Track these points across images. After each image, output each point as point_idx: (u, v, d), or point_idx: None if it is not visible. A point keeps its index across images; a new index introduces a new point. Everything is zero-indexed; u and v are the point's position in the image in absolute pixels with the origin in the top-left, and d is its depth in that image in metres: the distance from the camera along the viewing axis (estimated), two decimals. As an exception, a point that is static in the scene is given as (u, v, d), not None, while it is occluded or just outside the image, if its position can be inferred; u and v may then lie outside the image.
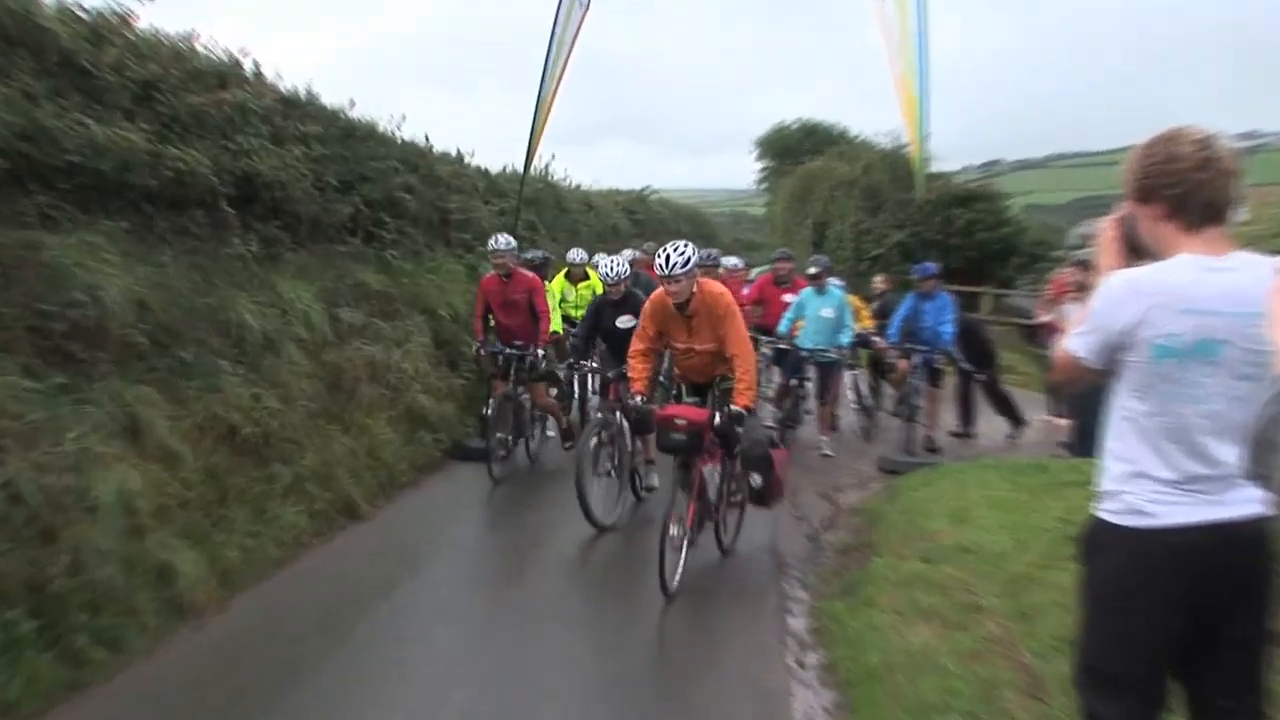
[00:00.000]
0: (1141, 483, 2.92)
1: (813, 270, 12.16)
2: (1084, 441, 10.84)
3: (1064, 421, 13.20)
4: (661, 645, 6.23)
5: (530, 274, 10.69)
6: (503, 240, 10.51)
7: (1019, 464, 9.80)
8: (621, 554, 7.99)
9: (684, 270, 6.96)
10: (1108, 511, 2.99)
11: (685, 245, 7.04)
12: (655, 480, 9.67)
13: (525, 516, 8.97)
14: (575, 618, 6.60)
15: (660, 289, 7.28)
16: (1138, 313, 2.87)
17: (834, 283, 12.88)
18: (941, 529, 7.57)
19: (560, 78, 12.55)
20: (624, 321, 9.12)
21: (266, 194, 10.21)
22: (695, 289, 7.14)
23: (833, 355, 11.88)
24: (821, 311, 11.99)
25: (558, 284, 13.09)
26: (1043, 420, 13.96)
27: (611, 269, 9.34)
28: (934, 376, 12.44)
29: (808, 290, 12.26)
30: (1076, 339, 3.01)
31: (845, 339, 11.90)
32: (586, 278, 13.25)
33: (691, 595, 6.96)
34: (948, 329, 12.12)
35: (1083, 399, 10.84)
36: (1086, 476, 7.90)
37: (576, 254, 13.54)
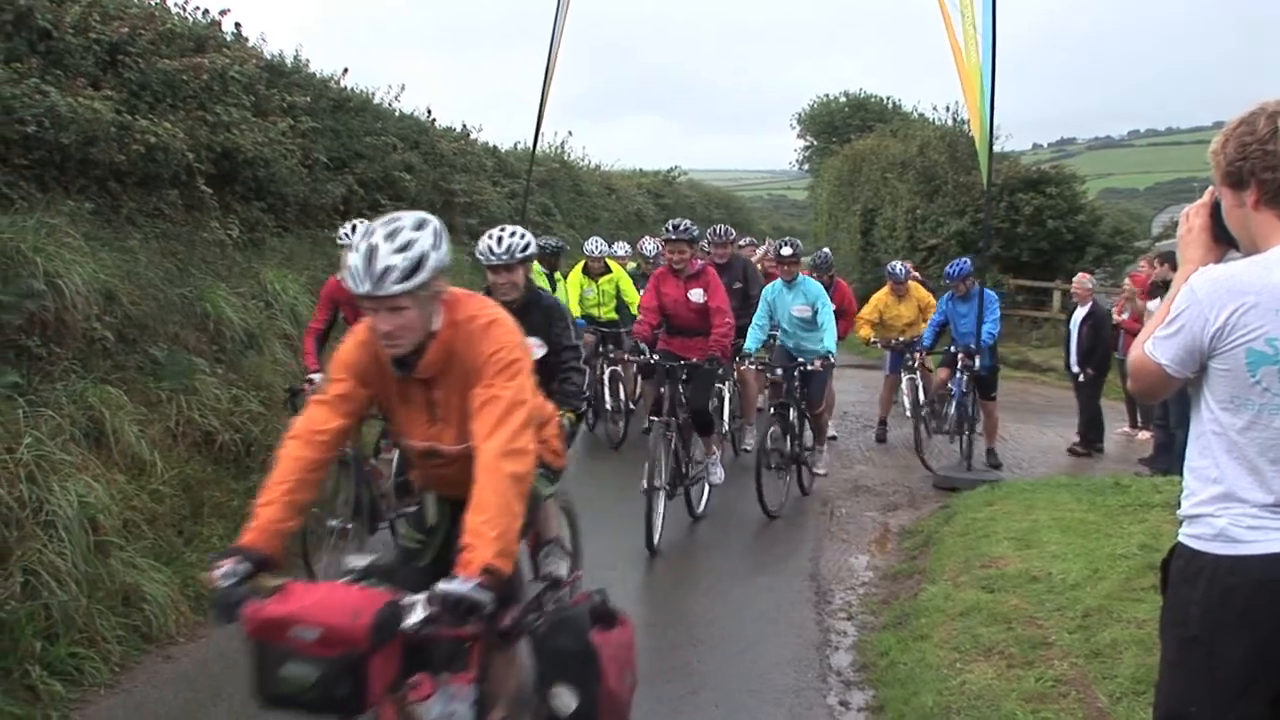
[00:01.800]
0: (1231, 505, 2.85)
1: (786, 251, 11.04)
2: (1168, 457, 10.81)
3: (1145, 435, 13.15)
4: (687, 679, 6.20)
5: None
6: (362, 229, 7.70)
7: (1094, 482, 9.74)
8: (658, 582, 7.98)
9: (406, 283, 3.50)
10: (1192, 537, 2.94)
11: (416, 221, 3.63)
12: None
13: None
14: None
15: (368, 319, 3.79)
16: (1229, 314, 2.80)
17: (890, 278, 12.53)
18: (1005, 554, 7.52)
19: (559, 44, 12.52)
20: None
21: (248, 172, 10.27)
22: (442, 319, 3.77)
23: (816, 368, 10.25)
24: (794, 310, 10.76)
25: (575, 278, 13.03)
26: (1121, 433, 13.89)
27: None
28: (984, 387, 12.08)
29: (775, 284, 11.02)
30: (1157, 343, 2.94)
31: (829, 342, 10.42)
32: (608, 270, 13.06)
33: (720, 625, 6.95)
34: (990, 330, 11.73)
35: (1168, 410, 10.80)
36: (1172, 497, 7.89)
37: (595, 244, 13.26)
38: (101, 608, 5.98)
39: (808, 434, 10.65)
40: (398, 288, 3.50)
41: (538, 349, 5.85)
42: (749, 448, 11.46)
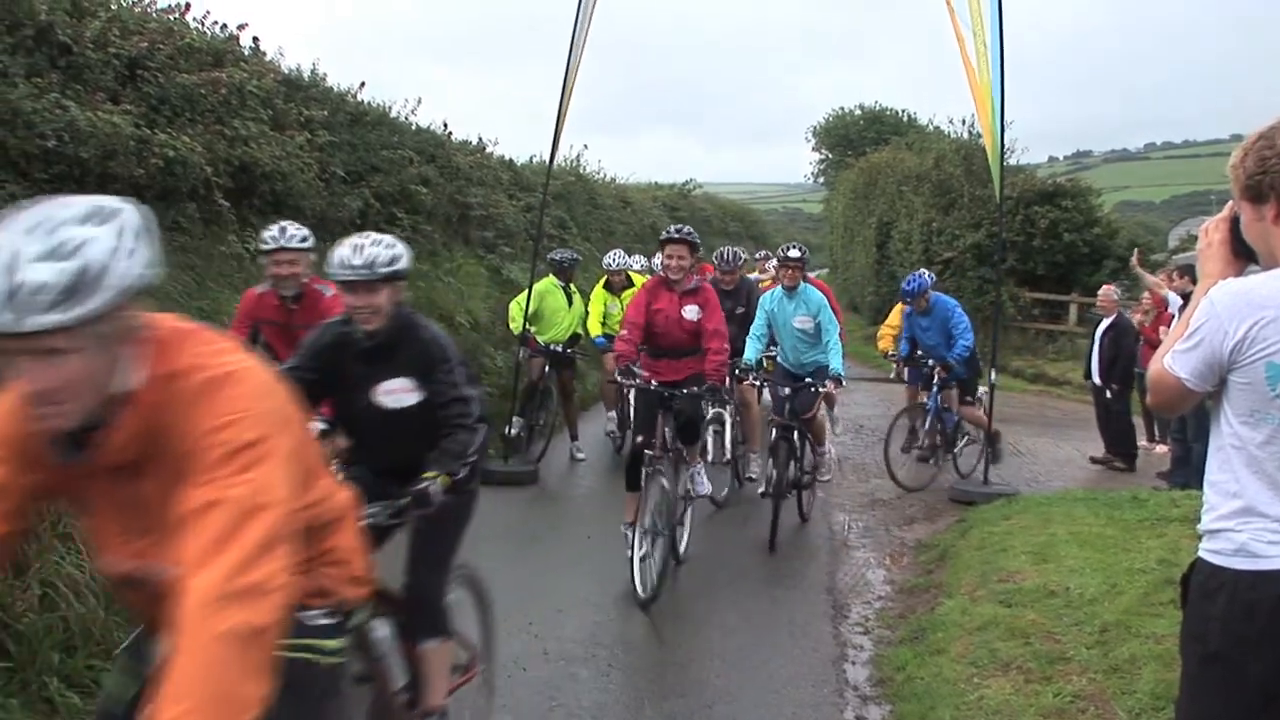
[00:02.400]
0: (1252, 520, 2.83)
1: (794, 253, 9.97)
2: (1186, 471, 10.77)
3: (1163, 448, 13.11)
4: (703, 693, 6.19)
5: (332, 293, 6.41)
6: (289, 232, 6.56)
7: (1111, 496, 9.70)
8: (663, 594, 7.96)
9: (62, 313, 2.03)
10: (1212, 552, 2.91)
11: (89, 211, 2.14)
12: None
13: (553, 548, 8.95)
14: (611, 660, 6.55)
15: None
16: (1248, 327, 2.78)
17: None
18: (1022, 569, 7.49)
19: (580, 58, 12.45)
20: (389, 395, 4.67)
21: (266, 185, 10.31)
22: (142, 372, 2.30)
23: (829, 390, 9.74)
24: (795, 321, 9.88)
25: (599, 296, 12.69)
26: (1139, 446, 13.84)
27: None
28: (963, 389, 11.78)
29: (773, 293, 10.13)
30: (1176, 357, 2.93)
31: (835, 362, 9.41)
32: (630, 284, 12.40)
33: (739, 639, 6.94)
34: (962, 343, 11.25)
35: (1185, 423, 10.76)
36: (1190, 511, 7.87)
37: (616, 257, 12.70)
38: (119, 620, 5.96)
39: (808, 455, 9.87)
40: (49, 319, 2.03)
41: (406, 394, 4.59)
42: (754, 476, 10.72)
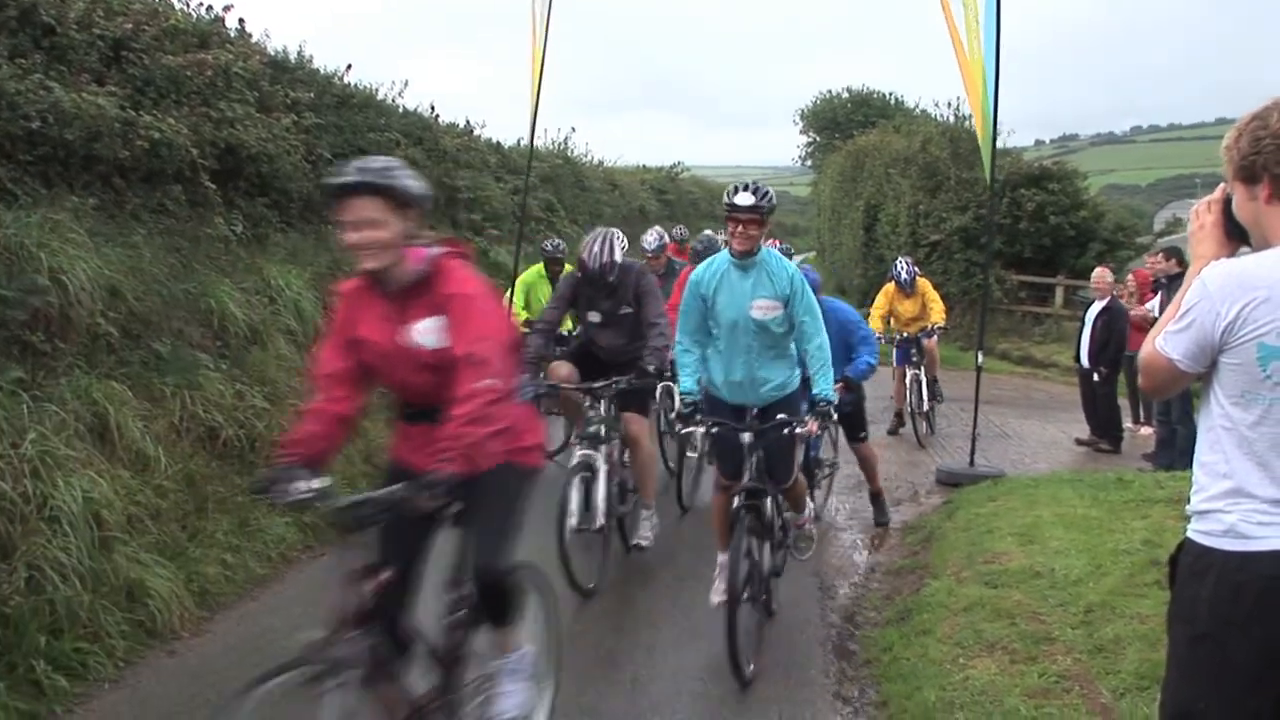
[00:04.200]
0: (1241, 501, 2.83)
1: (743, 198, 6.05)
2: (1170, 452, 10.79)
3: (1148, 430, 13.14)
4: (690, 675, 6.17)
5: None
6: None
7: (1097, 478, 9.71)
8: (650, 579, 7.94)
9: None
10: (1200, 533, 2.92)
11: None
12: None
13: (530, 538, 8.91)
14: (598, 643, 6.54)
15: None
16: (1240, 308, 2.78)
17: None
18: (1008, 550, 7.50)
19: (545, 37, 12.23)
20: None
21: (252, 168, 10.24)
22: None
23: (809, 430, 6.17)
24: (752, 309, 6.17)
25: None
26: (1125, 429, 13.88)
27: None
28: (850, 426, 9.48)
29: (711, 265, 6.40)
30: (1168, 338, 2.92)
31: (825, 382, 6.16)
32: (673, 272, 10.76)
33: (723, 620, 6.92)
34: (866, 358, 8.81)
35: (1170, 405, 10.79)
36: (1175, 493, 7.88)
37: (652, 237, 11.21)
38: (106, 603, 5.97)
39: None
40: None
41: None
42: (644, 542, 7.86)
